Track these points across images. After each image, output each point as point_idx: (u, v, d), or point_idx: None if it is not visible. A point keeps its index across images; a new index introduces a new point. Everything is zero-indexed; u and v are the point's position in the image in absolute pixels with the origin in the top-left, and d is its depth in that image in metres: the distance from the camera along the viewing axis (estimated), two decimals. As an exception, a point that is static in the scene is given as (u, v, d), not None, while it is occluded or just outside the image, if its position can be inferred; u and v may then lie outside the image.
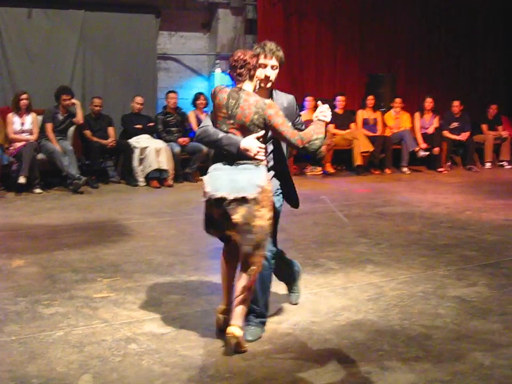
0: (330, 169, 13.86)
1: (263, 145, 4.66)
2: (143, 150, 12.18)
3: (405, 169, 14.21)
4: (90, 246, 7.58)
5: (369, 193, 11.58)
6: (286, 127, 4.65)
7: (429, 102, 14.80)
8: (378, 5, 16.15)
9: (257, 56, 4.84)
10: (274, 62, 4.99)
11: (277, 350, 4.60)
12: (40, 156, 11.41)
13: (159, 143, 12.37)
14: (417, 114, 14.89)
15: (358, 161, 13.79)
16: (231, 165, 4.63)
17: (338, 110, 14.38)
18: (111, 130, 12.53)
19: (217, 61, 14.55)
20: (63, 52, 13.13)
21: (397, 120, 14.75)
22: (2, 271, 6.53)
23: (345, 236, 8.17)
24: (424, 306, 5.57)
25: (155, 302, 5.61)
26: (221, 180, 4.55)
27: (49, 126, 11.61)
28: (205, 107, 13.32)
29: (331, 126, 14.06)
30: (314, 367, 4.34)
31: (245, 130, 4.63)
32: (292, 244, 7.67)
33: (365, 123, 14.56)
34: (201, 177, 4.76)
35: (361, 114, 14.63)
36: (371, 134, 14.27)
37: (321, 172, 13.85)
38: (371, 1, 16.09)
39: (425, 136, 14.59)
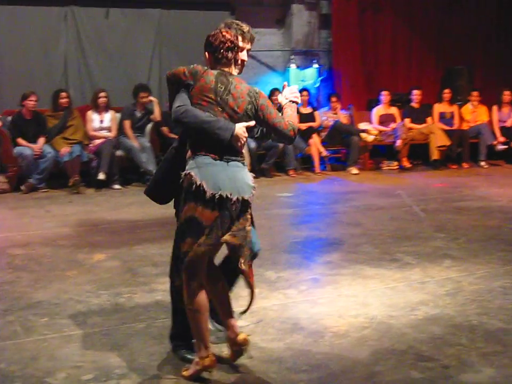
0: (406, 163, 13.77)
1: (246, 135, 4.14)
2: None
3: (482, 163, 14.02)
4: (169, 240, 7.56)
5: (446, 188, 11.47)
6: (279, 118, 4.23)
7: (507, 95, 14.57)
8: (455, -3, 15.98)
9: (237, 38, 4.39)
10: (249, 46, 4.56)
11: (354, 344, 4.61)
12: (118, 153, 11.62)
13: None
14: (495, 108, 14.66)
15: (435, 155, 13.66)
16: (221, 161, 4.07)
17: (415, 104, 14.27)
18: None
19: (292, 57, 14.58)
20: (140, 50, 13.35)
21: (474, 113, 14.56)
22: (84, 265, 6.69)
23: (422, 230, 8.12)
24: (502, 301, 5.51)
25: (233, 296, 5.64)
26: (221, 178, 4.03)
27: (127, 123, 11.82)
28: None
29: (407, 120, 13.99)
30: (391, 360, 4.34)
31: (235, 120, 4.13)
32: (368, 238, 7.67)
33: (442, 117, 14.41)
34: (195, 177, 3.99)
35: (438, 108, 14.48)
36: (448, 128, 14.11)
37: (398, 167, 13.77)
38: (447, -7, 15.93)
39: (504, 130, 14.36)
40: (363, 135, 13.45)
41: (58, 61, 12.88)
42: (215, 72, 4.23)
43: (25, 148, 11.14)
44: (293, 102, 4.42)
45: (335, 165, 13.67)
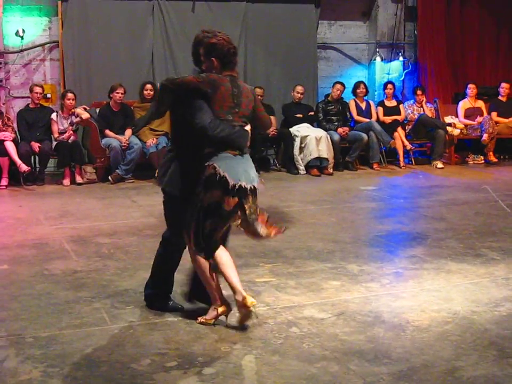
0: (493, 158, 13.56)
1: None
2: (303, 138, 12.33)
3: None
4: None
5: (534, 183, 11.27)
6: (264, 111, 5.04)
7: None
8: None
9: None
10: None
11: (436, 338, 4.60)
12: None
13: (319, 132, 12.47)
14: None
15: (523, 150, 13.44)
16: (238, 156, 4.71)
17: (502, 98, 14.06)
18: (272, 119, 12.72)
19: (378, 49, 14.49)
20: (226, 43, 13.42)
21: None
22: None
23: (508, 226, 8.01)
24: None
25: (315, 288, 5.72)
26: (239, 171, 4.64)
27: (212, 116, 11.92)
28: (365, 95, 13.36)
29: (494, 114, 13.77)
30: (473, 356, 4.32)
31: (247, 119, 4.80)
32: (452, 233, 7.62)
33: (530, 111, 14.14)
34: (214, 167, 4.62)
35: (526, 102, 14.22)
36: (536, 122, 13.85)
37: (484, 161, 13.58)
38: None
39: None
40: (449, 128, 13.31)
41: (145, 54, 13.08)
42: (227, 77, 4.74)
43: (112, 139, 11.38)
44: None
45: (419, 159, 13.58)
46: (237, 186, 4.58)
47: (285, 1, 13.75)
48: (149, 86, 11.91)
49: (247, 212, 4.70)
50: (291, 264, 6.42)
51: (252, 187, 4.69)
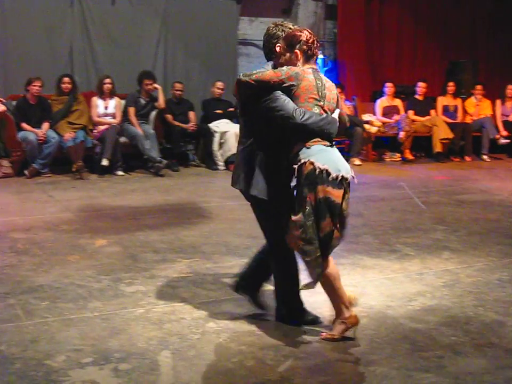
0: (409, 155, 13.80)
1: None
2: (223, 134, 12.34)
3: (485, 156, 14.06)
4: (171, 227, 7.76)
5: (448, 181, 11.50)
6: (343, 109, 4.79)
7: (510, 89, 14.60)
8: (461, -10, 15.99)
9: None
10: None
11: (350, 332, 4.65)
12: (122, 139, 11.67)
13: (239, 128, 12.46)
14: (498, 102, 14.70)
15: (438, 148, 13.70)
16: (329, 147, 4.49)
17: (419, 97, 14.32)
18: (192, 114, 12.73)
19: (297, 47, 14.56)
20: (145, 38, 13.38)
21: (477, 107, 14.58)
22: (86, 250, 6.74)
23: (423, 222, 8.17)
24: (499, 294, 5.56)
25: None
26: (336, 161, 4.44)
27: (131, 110, 11.86)
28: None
29: (410, 113, 14.03)
30: (387, 349, 4.40)
31: (331, 112, 4.55)
32: (368, 229, 7.73)
33: (445, 110, 14.44)
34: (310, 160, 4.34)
35: (442, 101, 14.51)
36: (451, 121, 14.14)
37: (400, 159, 13.80)
38: (453, -14, 15.94)
39: (506, 124, 14.39)
40: (366, 126, 13.48)
41: (64, 47, 12.89)
42: (309, 70, 4.52)
43: (29, 133, 11.18)
44: None
45: (337, 156, 13.69)
46: (339, 178, 4.36)
47: (205, -3, 13.75)
48: (66, 79, 11.74)
49: (343, 205, 4.44)
50: (209, 260, 6.43)
51: (351, 178, 4.48)
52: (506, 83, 14.77)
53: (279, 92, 4.43)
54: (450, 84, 14.52)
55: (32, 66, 12.30)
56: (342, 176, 4.37)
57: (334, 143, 4.55)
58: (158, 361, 4.20)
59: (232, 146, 12.10)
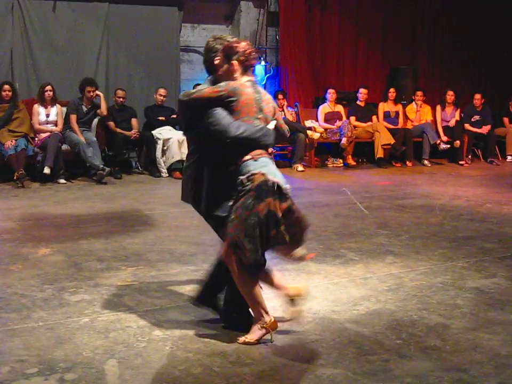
0: (351, 161, 13.93)
1: None
2: (166, 141, 12.31)
3: (426, 162, 14.25)
4: (114, 235, 7.70)
5: (390, 186, 11.61)
6: (282, 120, 4.93)
7: (450, 95, 14.82)
8: (400, -3, 16.21)
9: None
10: None
11: (297, 338, 4.68)
12: (64, 147, 11.57)
13: (182, 135, 12.46)
14: (438, 107, 14.93)
15: (379, 153, 13.84)
16: (270, 159, 4.60)
17: (360, 103, 14.46)
18: (134, 121, 12.67)
19: (239, 53, 14.59)
20: (87, 44, 13.29)
21: (418, 113, 14.78)
22: (28, 259, 6.66)
23: (366, 227, 8.24)
24: (442, 297, 5.63)
25: (178, 290, 5.72)
26: (278, 174, 4.53)
27: (73, 118, 11.77)
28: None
29: (352, 118, 14.16)
30: (333, 354, 4.42)
31: (267, 124, 4.63)
32: (313, 234, 7.71)
33: (387, 116, 14.61)
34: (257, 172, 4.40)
35: (383, 107, 14.68)
36: (392, 126, 14.32)
37: (343, 164, 13.92)
38: (393, -7, 16.14)
39: (447, 129, 14.63)
40: (309, 132, 13.54)
41: (4, 53, 12.74)
42: (248, 83, 4.58)
43: (-31, 141, 11.03)
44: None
45: (280, 162, 13.75)
46: (286, 191, 4.47)
47: (147, 3, 13.69)
48: (7, 86, 11.60)
49: (293, 211, 4.56)
50: (153, 267, 6.40)
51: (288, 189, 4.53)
52: (446, 89, 15.01)
53: (219, 108, 4.46)
54: (391, 90, 14.70)
55: (-29, 73, 12.15)
56: (285, 188, 4.47)
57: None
58: (104, 370, 4.16)
59: (175, 153, 12.09)
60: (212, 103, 4.47)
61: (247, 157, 4.46)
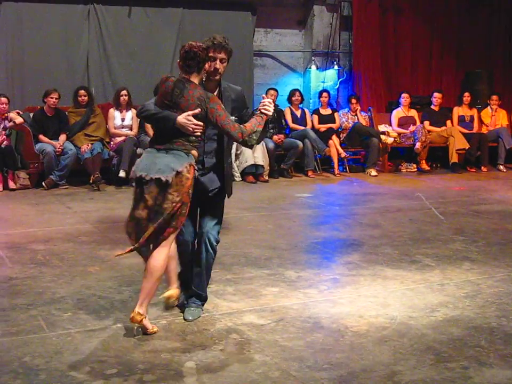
0: (425, 166, 13.80)
1: (201, 123, 4.85)
2: (239, 145, 12.34)
3: (501, 167, 14.02)
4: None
5: (465, 191, 11.48)
6: (227, 121, 4.86)
7: (526, 99, 14.57)
8: (475, 1, 15.96)
9: (207, 49, 5.04)
10: (223, 55, 5.19)
11: (374, 343, 4.65)
12: (139, 151, 11.65)
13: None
14: (514, 112, 14.70)
15: (454, 158, 13.68)
16: (161, 151, 4.87)
17: (435, 107, 14.32)
18: (206, 126, 12.72)
19: (313, 58, 14.61)
20: (161, 49, 13.42)
21: (493, 117, 14.56)
22: (106, 261, 6.76)
23: (442, 233, 8.15)
24: (522, 304, 5.55)
25: (254, 294, 5.74)
26: (144, 162, 4.86)
27: (148, 122, 11.88)
28: (300, 103, 13.45)
29: (426, 123, 14.01)
30: (411, 361, 4.38)
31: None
32: (387, 240, 7.72)
33: (461, 120, 14.43)
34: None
35: (457, 111, 14.50)
36: (467, 131, 14.13)
37: (416, 169, 13.81)
38: (468, -4, 15.95)
39: (523, 134, 14.39)
40: (382, 137, 13.48)
41: (81, 59, 12.96)
42: (174, 78, 4.98)
43: (46, 145, 11.25)
44: (263, 113, 5.01)
45: (354, 167, 13.72)
46: (135, 177, 4.85)
47: (221, 8, 13.77)
48: (82, 91, 11.81)
49: (148, 202, 4.77)
50: (229, 271, 6.42)
51: (153, 178, 4.73)
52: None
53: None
54: (466, 94, 14.51)
55: (49, 78, 12.41)
56: (141, 176, 4.80)
57: (180, 148, 4.88)
58: (182, 372, 4.20)
59: (248, 157, 12.12)
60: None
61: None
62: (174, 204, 4.72)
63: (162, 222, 4.72)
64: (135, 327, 4.78)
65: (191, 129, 4.81)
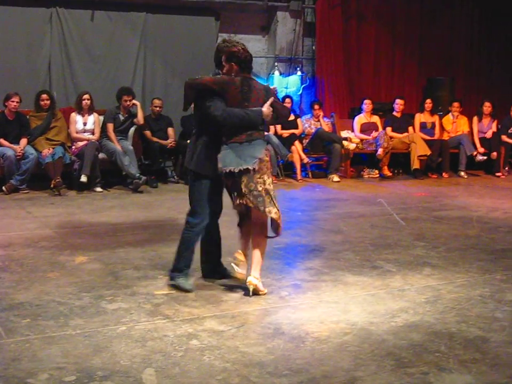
0: (387, 172, 13.87)
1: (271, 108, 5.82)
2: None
3: (462, 173, 14.15)
4: (151, 244, 7.72)
5: (427, 197, 11.56)
6: (281, 104, 6.22)
7: (487, 106, 14.72)
8: (437, 8, 16.13)
9: None
10: None
11: (335, 349, 4.65)
12: (101, 155, 11.64)
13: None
14: (475, 119, 14.84)
15: (416, 164, 13.77)
16: (243, 143, 5.73)
17: (397, 113, 14.40)
18: (170, 131, 12.72)
19: (276, 64, 14.64)
20: (124, 54, 13.38)
21: (454, 124, 14.69)
22: (66, 267, 6.70)
23: (403, 238, 8.19)
24: (481, 309, 5.57)
25: (215, 300, 5.72)
26: (230, 156, 5.71)
27: (110, 126, 11.83)
28: (262, 108, 13.42)
29: (388, 129, 14.10)
30: (371, 366, 4.39)
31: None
32: (349, 245, 7.74)
33: (423, 127, 14.54)
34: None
35: (419, 118, 14.60)
36: (429, 137, 14.24)
37: (378, 175, 13.88)
38: (430, 4, 16.07)
39: (483, 141, 14.53)
40: (345, 143, 13.53)
41: (43, 62, 12.87)
42: (239, 78, 5.77)
43: (7, 149, 11.14)
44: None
45: (316, 172, 13.77)
46: (225, 171, 5.70)
47: (185, 13, 13.77)
48: (44, 95, 11.71)
49: (243, 190, 5.69)
50: (191, 276, 6.39)
51: (242, 169, 5.65)
52: (483, 100, 14.94)
53: (217, 96, 5.73)
54: (428, 100, 14.62)
55: (11, 81, 12.30)
56: (230, 171, 5.73)
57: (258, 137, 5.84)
58: (141, 379, 4.16)
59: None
60: (208, 89, 5.75)
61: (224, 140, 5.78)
62: (265, 185, 5.70)
63: (262, 202, 5.69)
64: (251, 289, 5.70)
65: (271, 115, 5.79)
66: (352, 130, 14.20)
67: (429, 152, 13.81)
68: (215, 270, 6.33)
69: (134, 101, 12.03)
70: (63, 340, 4.77)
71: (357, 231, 8.56)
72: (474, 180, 13.95)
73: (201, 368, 4.32)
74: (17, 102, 11.34)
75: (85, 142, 11.55)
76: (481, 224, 9.11)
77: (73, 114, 11.85)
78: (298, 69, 14.91)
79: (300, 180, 13.05)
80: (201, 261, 6.36)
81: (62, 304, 5.55)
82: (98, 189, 11.32)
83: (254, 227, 5.92)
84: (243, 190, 5.68)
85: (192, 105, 6.21)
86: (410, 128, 14.39)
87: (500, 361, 4.50)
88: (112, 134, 11.80)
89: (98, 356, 4.49)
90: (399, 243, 7.95)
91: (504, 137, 14.80)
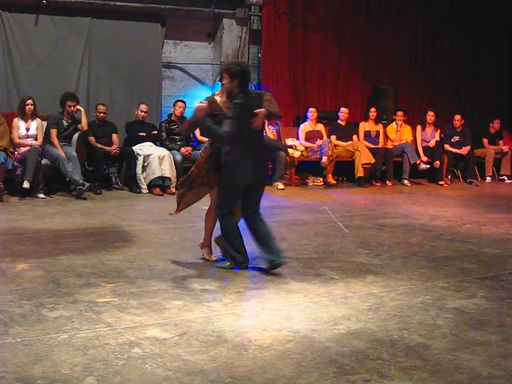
0: (331, 180, 13.95)
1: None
2: (146, 157, 12.27)
3: (406, 181, 14.30)
4: (94, 251, 7.65)
5: (370, 205, 11.65)
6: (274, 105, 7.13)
7: (430, 116, 14.90)
8: (382, 18, 16.28)
9: None
10: None
11: (277, 357, 4.66)
12: (44, 161, 11.49)
13: (162, 151, 12.45)
14: (418, 127, 15.02)
15: (360, 172, 13.87)
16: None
17: (341, 122, 14.50)
18: (115, 137, 12.62)
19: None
20: (69, 59, 13.22)
21: (398, 132, 14.84)
22: (6, 274, 6.60)
23: (346, 246, 8.24)
24: (423, 317, 5.63)
25: (158, 307, 5.68)
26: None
27: (53, 132, 11.70)
28: (208, 116, 13.41)
29: (333, 137, 14.18)
30: (314, 373, 4.40)
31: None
32: (293, 253, 7.75)
33: (367, 135, 14.66)
34: None
35: (363, 126, 14.73)
36: (373, 146, 14.37)
37: (323, 183, 13.93)
38: (375, 14, 16.20)
39: (427, 149, 14.71)
40: (290, 150, 13.55)
41: (-15, 67, 12.69)
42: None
43: None
44: None
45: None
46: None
47: (130, 19, 13.68)
48: (-13, 100, 11.55)
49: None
50: (133, 284, 6.35)
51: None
52: (427, 109, 15.13)
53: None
54: (372, 109, 14.76)
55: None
56: None
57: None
58: (82, 388, 4.12)
59: (155, 169, 12.06)
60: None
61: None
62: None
63: None
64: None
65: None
66: (297, 138, 14.27)
67: (373, 161, 13.92)
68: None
69: (78, 107, 11.92)
70: (3, 349, 4.69)
71: (301, 239, 8.59)
72: (418, 188, 14.12)
73: (143, 376, 4.29)
74: (-42, 107, 11.17)
75: (27, 148, 11.39)
76: (424, 232, 9.22)
77: (15, 119, 11.69)
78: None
79: (244, 187, 13.04)
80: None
81: (2, 312, 5.45)
82: (41, 195, 11.18)
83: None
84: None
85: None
86: (354, 137, 14.51)
87: (440, 368, 4.55)
88: (55, 140, 11.66)
89: (39, 365, 4.43)
90: (343, 251, 7.99)
91: (447, 146, 15.03)
